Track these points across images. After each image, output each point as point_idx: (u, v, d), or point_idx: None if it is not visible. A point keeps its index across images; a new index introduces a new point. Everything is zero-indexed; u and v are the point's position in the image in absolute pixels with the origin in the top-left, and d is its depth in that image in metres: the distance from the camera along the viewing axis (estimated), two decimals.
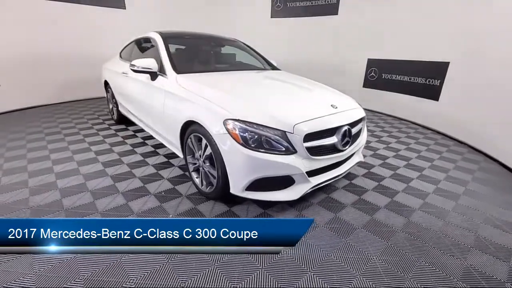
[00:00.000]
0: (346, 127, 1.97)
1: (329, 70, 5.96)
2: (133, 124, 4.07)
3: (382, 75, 5.24)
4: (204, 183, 2.12)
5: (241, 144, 1.71)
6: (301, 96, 2.26)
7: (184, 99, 2.13)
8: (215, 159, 1.87)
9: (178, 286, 1.36)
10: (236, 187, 1.82)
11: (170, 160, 2.85)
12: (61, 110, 4.94)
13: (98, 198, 2.12)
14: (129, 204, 2.05)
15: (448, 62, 4.01)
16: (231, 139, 1.73)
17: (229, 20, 6.92)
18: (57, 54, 5.18)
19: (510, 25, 3.16)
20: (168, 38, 2.80)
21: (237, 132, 1.72)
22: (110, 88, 3.94)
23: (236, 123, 1.74)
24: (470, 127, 3.70)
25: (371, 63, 5.41)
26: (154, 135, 2.90)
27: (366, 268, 1.53)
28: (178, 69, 2.44)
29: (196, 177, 2.24)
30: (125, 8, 5.95)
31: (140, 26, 6.06)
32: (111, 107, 4.23)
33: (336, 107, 2.04)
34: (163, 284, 1.37)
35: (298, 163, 1.77)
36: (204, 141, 1.95)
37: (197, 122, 1.96)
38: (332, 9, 5.85)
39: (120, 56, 3.80)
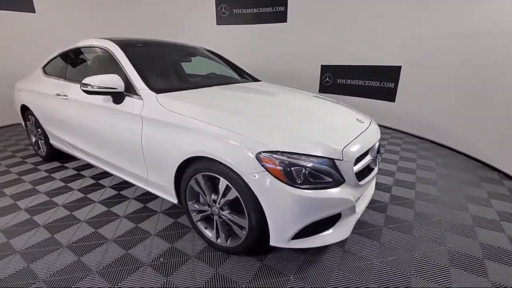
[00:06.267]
0: (378, 143, 1.76)
1: (282, 76, 5.87)
2: (67, 158, 3.10)
3: (337, 80, 5.42)
4: (223, 235, 1.60)
5: (286, 183, 1.30)
6: (321, 113, 1.91)
7: (180, 126, 1.58)
8: (245, 206, 1.40)
9: None
10: (280, 238, 1.39)
11: (148, 205, 2.18)
12: None
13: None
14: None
15: (400, 66, 4.34)
16: (271, 178, 1.30)
17: (170, 25, 6.19)
18: None
19: (452, 28, 3.56)
20: (127, 47, 2.14)
21: (278, 167, 1.30)
22: (33, 116, 2.92)
23: (276, 156, 1.31)
24: (427, 122, 4.06)
25: (325, 69, 5.54)
26: (122, 176, 2.14)
27: None
28: (155, 87, 1.84)
29: (205, 228, 1.70)
30: (34, 12, 4.69)
31: (55, 33, 4.91)
32: (34, 139, 3.16)
33: (363, 122, 1.81)
34: None
35: (349, 194, 1.45)
36: (223, 183, 1.46)
37: (209, 158, 1.46)
38: (280, 17, 5.81)
39: (45, 72, 2.85)
